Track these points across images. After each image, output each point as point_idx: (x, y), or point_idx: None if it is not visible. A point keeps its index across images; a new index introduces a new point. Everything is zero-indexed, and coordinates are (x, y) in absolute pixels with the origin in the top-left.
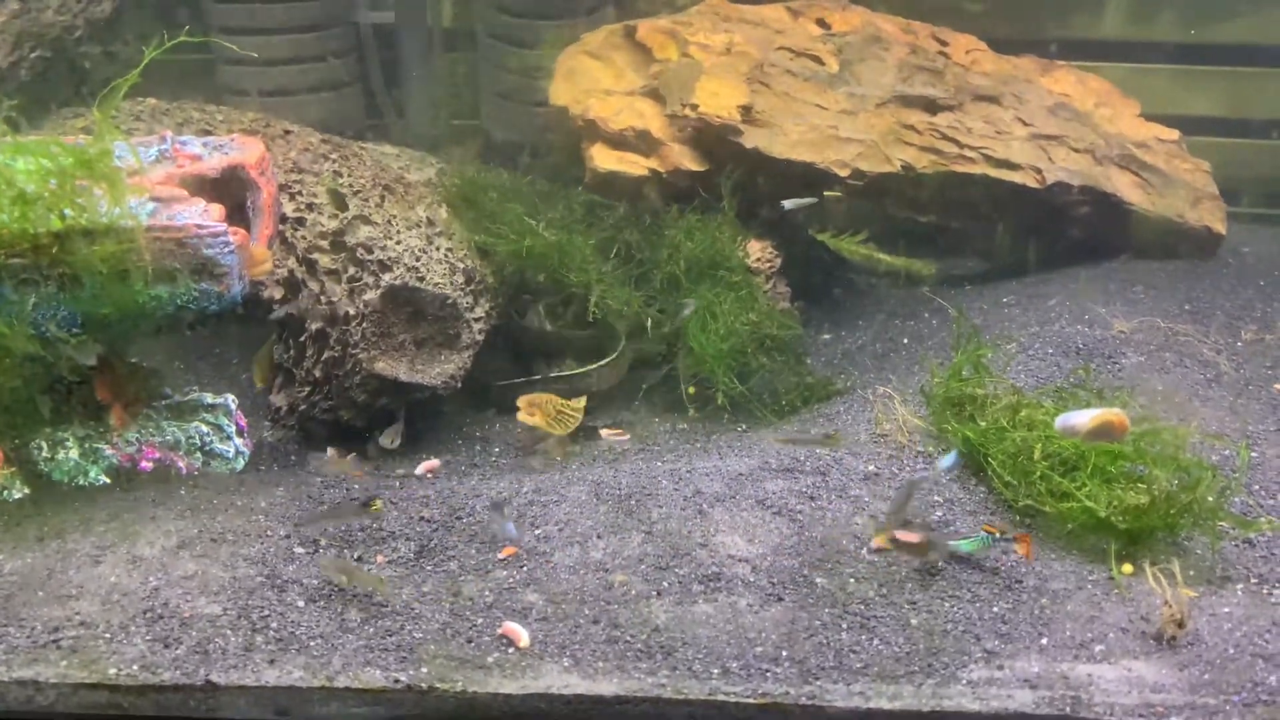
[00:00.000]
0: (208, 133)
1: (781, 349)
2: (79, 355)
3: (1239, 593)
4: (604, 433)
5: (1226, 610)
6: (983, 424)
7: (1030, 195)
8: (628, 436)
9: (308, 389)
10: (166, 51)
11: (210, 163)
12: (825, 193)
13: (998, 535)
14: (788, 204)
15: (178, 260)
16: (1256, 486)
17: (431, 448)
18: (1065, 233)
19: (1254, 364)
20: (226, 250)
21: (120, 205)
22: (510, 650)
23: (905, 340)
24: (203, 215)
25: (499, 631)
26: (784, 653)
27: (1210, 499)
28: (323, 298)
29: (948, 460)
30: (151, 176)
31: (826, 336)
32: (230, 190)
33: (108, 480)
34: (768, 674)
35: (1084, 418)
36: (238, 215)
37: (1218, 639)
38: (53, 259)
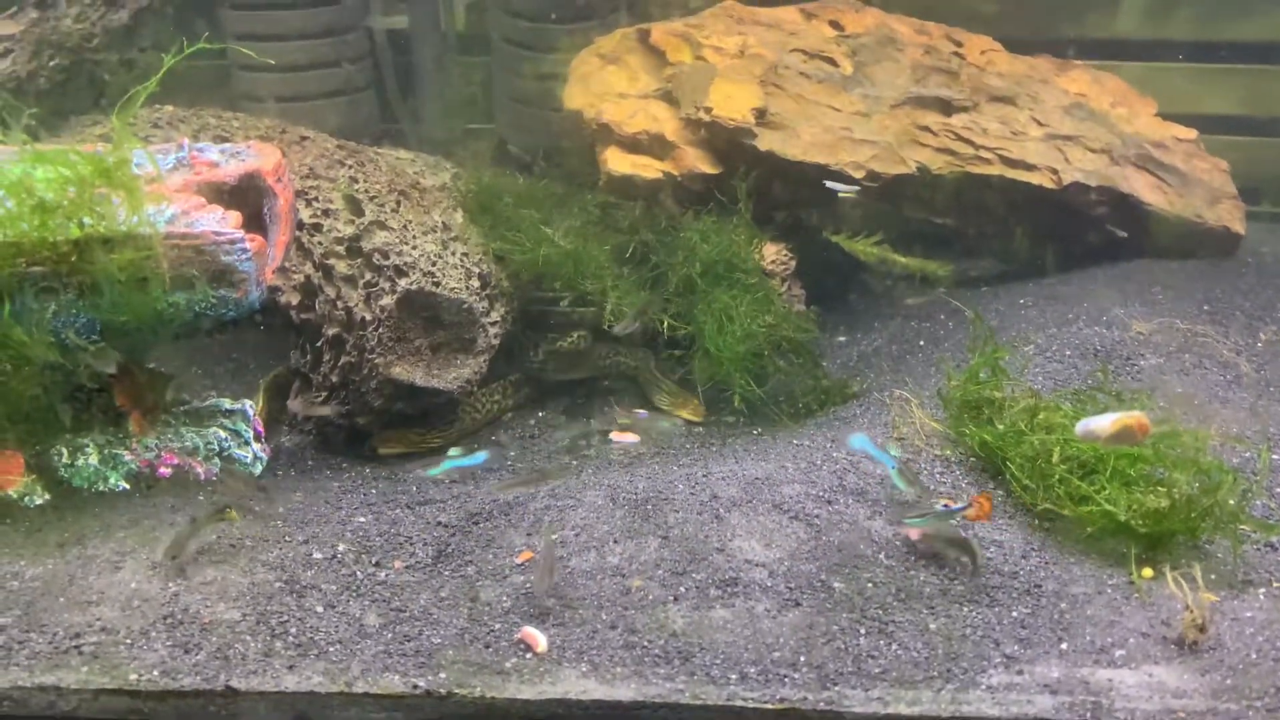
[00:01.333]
0: (225, 139)
1: (798, 351)
2: (98, 363)
3: (1261, 597)
4: (614, 435)
5: (1249, 614)
6: (1001, 427)
7: (1047, 196)
8: (638, 438)
9: (324, 394)
10: (184, 59)
11: (227, 169)
12: (840, 194)
13: (953, 506)
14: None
15: (195, 267)
16: (1278, 489)
17: (445, 451)
18: (1082, 234)
19: (1274, 365)
20: (244, 257)
21: (138, 213)
22: (528, 655)
23: (921, 343)
24: (220, 222)
25: (517, 637)
26: (802, 658)
27: (1231, 502)
28: (339, 303)
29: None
30: (169, 184)
31: (842, 339)
32: (247, 197)
33: (127, 486)
34: (785, 679)
35: (1104, 422)
36: (254, 222)
37: (1240, 643)
38: (72, 267)
